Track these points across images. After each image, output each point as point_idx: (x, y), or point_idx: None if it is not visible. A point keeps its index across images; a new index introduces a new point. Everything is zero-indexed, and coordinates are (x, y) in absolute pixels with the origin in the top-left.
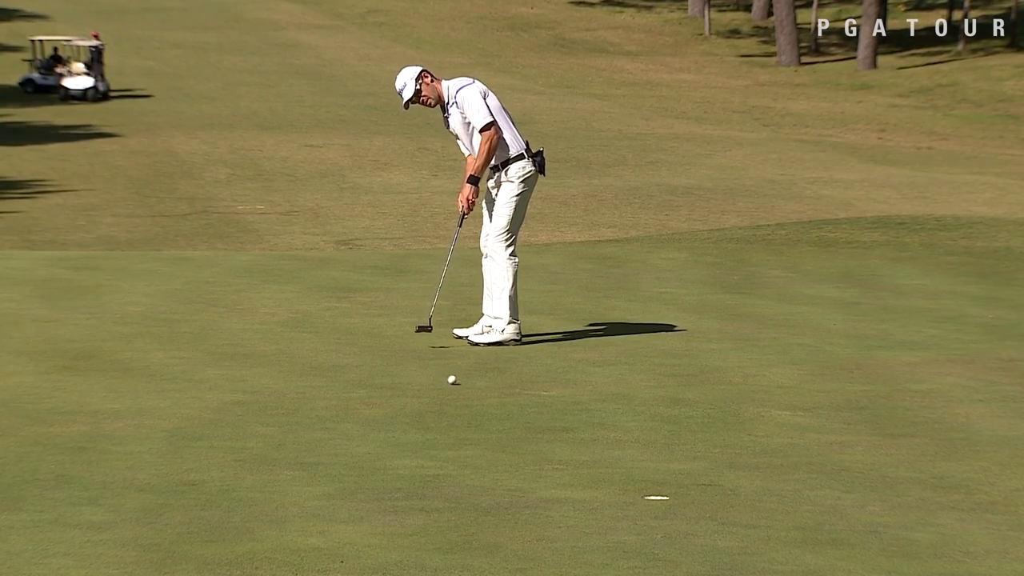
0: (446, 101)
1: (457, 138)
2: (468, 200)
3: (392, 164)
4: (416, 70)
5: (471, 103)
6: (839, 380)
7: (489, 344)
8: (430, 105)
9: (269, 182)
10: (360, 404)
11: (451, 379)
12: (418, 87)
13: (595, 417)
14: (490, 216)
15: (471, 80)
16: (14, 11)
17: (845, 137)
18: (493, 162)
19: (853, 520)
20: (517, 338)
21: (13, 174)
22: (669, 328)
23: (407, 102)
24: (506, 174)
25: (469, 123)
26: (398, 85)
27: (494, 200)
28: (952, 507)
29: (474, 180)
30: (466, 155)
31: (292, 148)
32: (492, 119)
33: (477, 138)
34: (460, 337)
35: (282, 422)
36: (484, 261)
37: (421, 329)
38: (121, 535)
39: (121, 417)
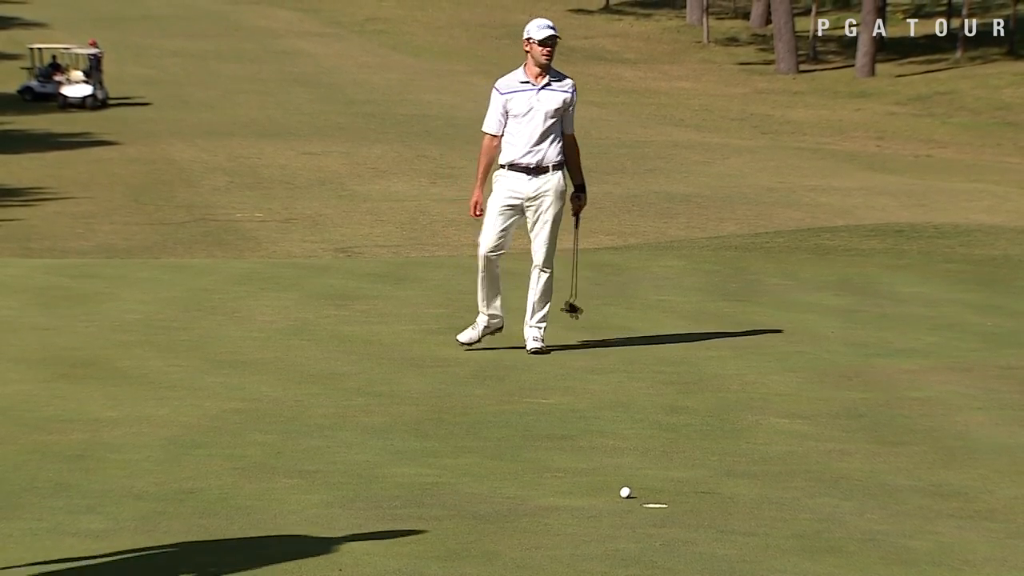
0: (551, 75)
1: (521, 115)
2: (582, 207)
3: (391, 172)
4: None
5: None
6: (838, 388)
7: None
8: (548, 59)
9: (268, 190)
10: (359, 412)
11: (625, 492)
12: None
13: (593, 425)
14: (533, 227)
15: None
16: (13, 19)
17: (843, 145)
18: (537, 163)
19: (852, 528)
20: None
21: (12, 182)
22: (668, 336)
23: (556, 37)
24: (558, 183)
25: (562, 110)
26: (551, 24)
27: (521, 208)
28: (951, 515)
29: (583, 188)
30: (498, 136)
31: (291, 156)
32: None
33: (547, 126)
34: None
35: (281, 430)
36: (491, 268)
37: (572, 310)
38: (119, 543)
39: (120, 425)
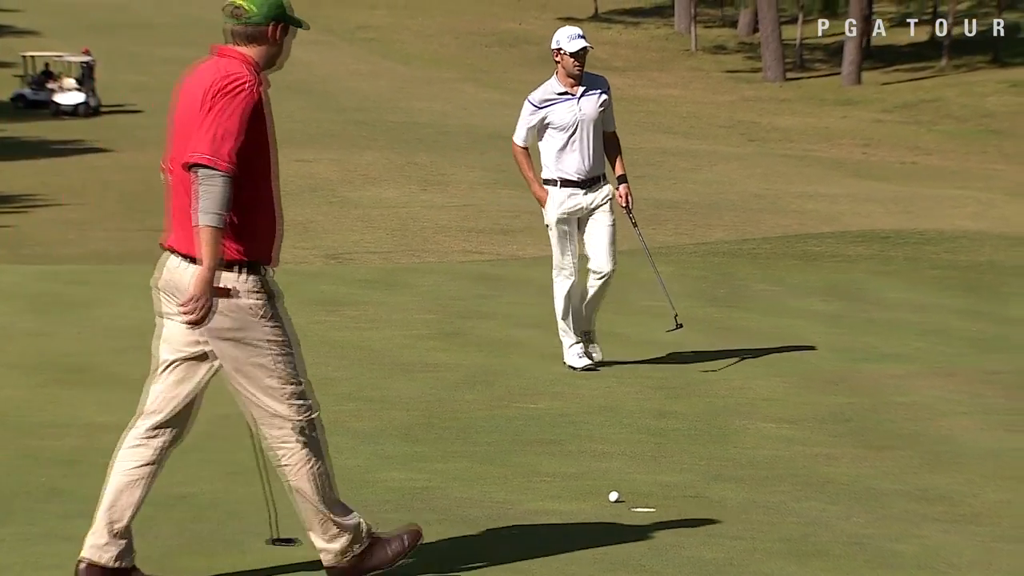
0: (585, 82)
1: (566, 126)
2: (629, 195)
3: (382, 178)
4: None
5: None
6: (824, 392)
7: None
8: (581, 70)
9: None
10: (349, 417)
11: (613, 496)
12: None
13: (582, 429)
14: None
15: None
16: (6, 27)
17: (830, 152)
18: (593, 177)
19: (838, 532)
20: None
21: (5, 189)
22: (655, 341)
23: (586, 48)
24: (610, 189)
25: (603, 112)
26: (581, 33)
27: (577, 222)
28: (936, 519)
29: (625, 179)
30: (526, 147)
31: (282, 162)
32: None
33: (595, 137)
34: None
35: None
36: (572, 283)
37: (678, 327)
38: None
39: (113, 430)
